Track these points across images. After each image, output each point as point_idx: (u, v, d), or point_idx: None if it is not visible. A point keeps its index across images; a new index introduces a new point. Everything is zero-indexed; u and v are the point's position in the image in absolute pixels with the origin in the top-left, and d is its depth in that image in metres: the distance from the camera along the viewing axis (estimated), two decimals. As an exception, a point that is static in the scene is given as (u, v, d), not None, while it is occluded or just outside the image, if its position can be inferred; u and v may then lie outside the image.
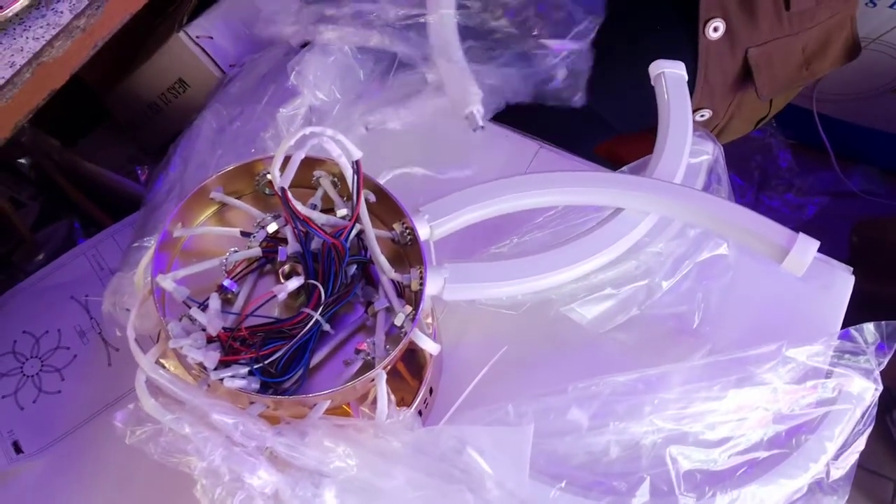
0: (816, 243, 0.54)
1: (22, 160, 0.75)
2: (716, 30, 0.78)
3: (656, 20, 0.68)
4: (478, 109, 0.64)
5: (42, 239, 0.72)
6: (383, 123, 0.72)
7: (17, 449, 0.58)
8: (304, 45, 0.73)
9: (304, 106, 0.70)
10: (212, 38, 0.74)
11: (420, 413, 0.56)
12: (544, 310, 0.59)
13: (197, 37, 0.74)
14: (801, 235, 0.54)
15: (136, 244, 0.57)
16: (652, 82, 0.66)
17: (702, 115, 0.85)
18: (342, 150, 0.48)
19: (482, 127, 0.64)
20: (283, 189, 0.46)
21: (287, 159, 0.47)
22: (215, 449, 0.39)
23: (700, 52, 0.79)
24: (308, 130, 0.46)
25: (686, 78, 0.65)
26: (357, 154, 0.47)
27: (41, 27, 0.53)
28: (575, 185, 0.55)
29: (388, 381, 0.52)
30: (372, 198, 0.51)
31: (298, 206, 0.46)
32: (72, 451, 0.58)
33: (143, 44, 0.83)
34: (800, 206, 1.33)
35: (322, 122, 0.70)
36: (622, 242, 0.55)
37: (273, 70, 0.74)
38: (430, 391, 0.57)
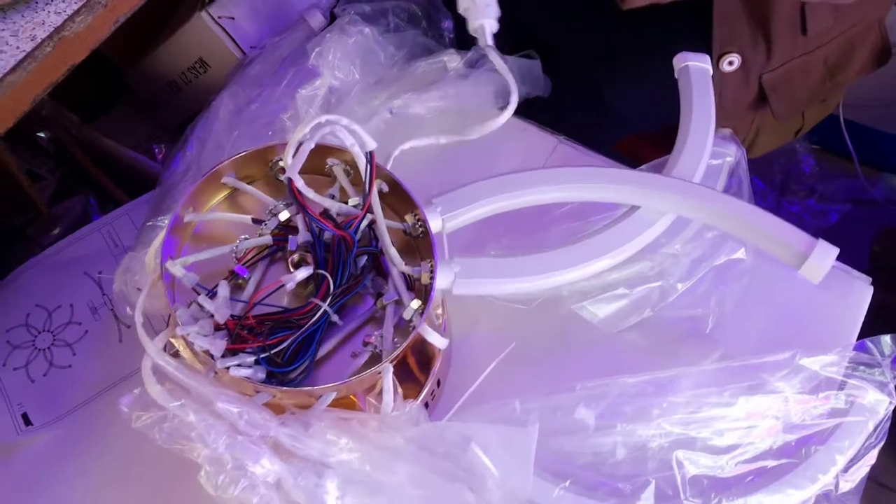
0: (835, 250, 0.53)
1: (41, 134, 0.75)
2: (731, 63, 0.77)
3: (668, 51, 0.66)
4: (489, 23, 0.62)
5: (58, 213, 0.73)
6: (407, 108, 0.72)
7: (27, 421, 0.59)
8: (325, 28, 0.72)
9: (323, 87, 0.69)
10: (233, 18, 0.74)
11: (427, 405, 0.56)
12: (556, 306, 0.58)
13: (219, 17, 0.73)
14: (821, 242, 0.54)
15: (149, 223, 0.57)
16: (676, 75, 0.64)
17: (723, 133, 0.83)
18: (356, 139, 0.47)
19: (489, 45, 0.62)
20: (289, 179, 0.45)
21: (299, 147, 0.47)
22: (219, 437, 0.40)
23: (714, 83, 0.77)
24: (324, 118, 0.45)
25: (711, 71, 0.64)
26: (372, 144, 0.46)
27: (63, 1, 0.53)
28: (590, 182, 0.54)
29: (395, 372, 0.52)
30: (385, 188, 0.50)
31: (311, 193, 0.46)
32: (80, 426, 0.59)
33: (167, 20, 0.83)
34: (821, 213, 1.31)
35: (341, 102, 0.70)
36: (636, 242, 0.54)
37: (294, 52, 0.73)
38: (438, 383, 0.56)
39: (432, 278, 0.46)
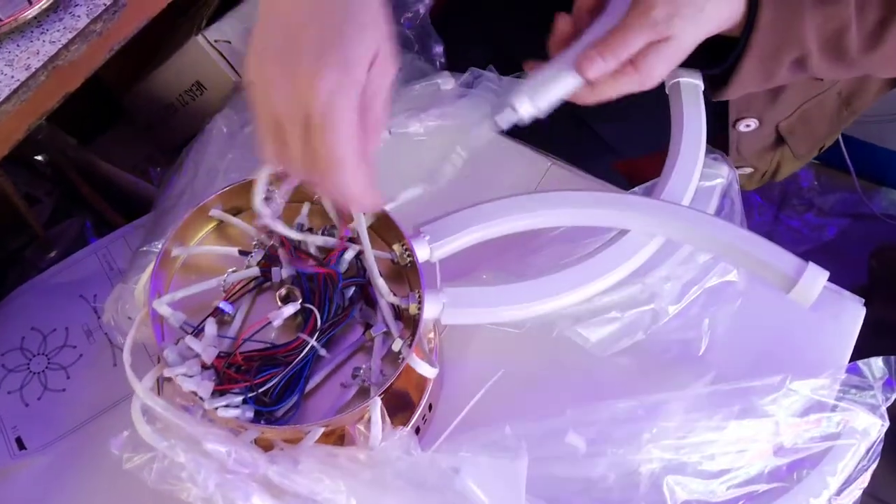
0: (825, 273, 0.53)
1: (38, 157, 0.76)
2: (748, 126, 0.75)
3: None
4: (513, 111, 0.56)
5: (54, 236, 0.73)
6: (406, 127, 0.73)
7: (21, 445, 0.59)
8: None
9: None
10: (230, 42, 0.74)
11: (418, 430, 0.56)
12: (548, 330, 0.58)
13: (215, 41, 0.74)
14: (811, 265, 0.53)
15: (143, 248, 0.58)
16: (666, 90, 0.64)
17: (743, 171, 0.82)
18: None
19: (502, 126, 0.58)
20: (266, 226, 0.46)
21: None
22: (209, 476, 0.40)
23: (731, 139, 0.76)
24: None
25: (702, 87, 0.63)
26: None
27: (58, 30, 0.53)
28: (578, 207, 0.54)
29: (386, 397, 0.52)
30: (370, 220, 0.50)
31: (291, 233, 0.46)
32: (74, 450, 0.59)
33: (163, 44, 0.83)
34: (820, 227, 1.31)
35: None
36: (625, 266, 0.54)
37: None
38: (430, 407, 0.57)
39: (420, 309, 0.46)
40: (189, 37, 0.75)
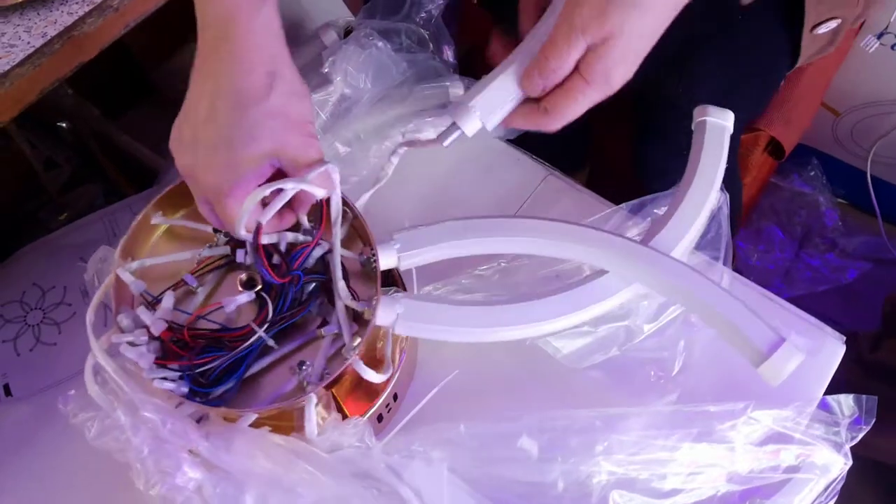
0: (801, 356, 0.49)
1: (62, 124, 0.80)
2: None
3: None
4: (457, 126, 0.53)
5: (68, 200, 0.77)
6: (419, 132, 0.74)
7: (7, 391, 0.62)
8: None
9: (335, 93, 0.72)
10: (252, 29, 0.76)
11: (381, 418, 0.57)
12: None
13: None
14: (786, 345, 0.50)
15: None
16: (692, 126, 0.61)
17: (828, 27, 0.71)
18: (313, 192, 0.47)
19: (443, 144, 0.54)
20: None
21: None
22: (144, 441, 0.41)
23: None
24: (268, 190, 0.45)
25: (731, 131, 0.59)
26: (320, 194, 0.47)
27: (77, 3, 0.56)
28: (556, 238, 0.53)
29: (351, 383, 0.53)
30: (341, 225, 0.51)
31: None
32: (57, 401, 0.61)
33: (194, 22, 0.86)
34: (840, 269, 1.28)
35: (350, 111, 0.72)
36: (593, 308, 0.53)
37: (311, 63, 0.76)
38: (395, 397, 0.58)
39: (373, 315, 0.47)
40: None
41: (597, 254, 0.53)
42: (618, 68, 0.48)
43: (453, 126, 0.53)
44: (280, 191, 0.45)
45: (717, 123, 0.59)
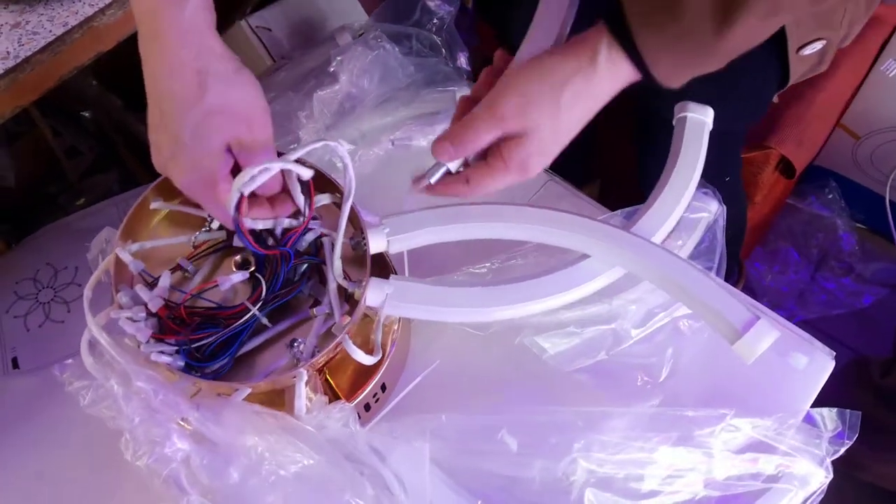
0: (775, 334, 0.50)
1: (85, 113, 0.83)
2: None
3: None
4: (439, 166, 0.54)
5: (87, 186, 0.80)
6: (410, 139, 0.76)
7: (15, 364, 0.64)
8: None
9: (341, 92, 0.74)
10: (270, 30, 0.79)
11: (368, 407, 0.58)
12: (513, 335, 0.60)
13: (257, 27, 0.79)
14: (762, 322, 0.51)
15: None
16: (673, 122, 0.63)
17: (813, 48, 0.71)
18: (298, 171, 0.48)
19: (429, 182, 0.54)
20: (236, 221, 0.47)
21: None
22: (136, 410, 0.43)
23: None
24: (256, 170, 0.45)
25: (710, 127, 0.62)
26: (307, 175, 0.48)
27: (99, -5, 0.59)
28: (539, 224, 0.54)
29: (340, 370, 0.54)
30: (330, 205, 0.52)
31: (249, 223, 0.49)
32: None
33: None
34: (856, 293, 1.27)
35: (354, 110, 0.75)
36: (577, 290, 0.54)
37: (323, 64, 0.78)
38: (383, 387, 0.59)
39: (363, 295, 0.48)
40: (234, 21, 0.80)
41: (579, 238, 0.55)
42: (534, 158, 0.51)
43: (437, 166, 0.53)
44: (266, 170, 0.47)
45: (697, 119, 0.62)
